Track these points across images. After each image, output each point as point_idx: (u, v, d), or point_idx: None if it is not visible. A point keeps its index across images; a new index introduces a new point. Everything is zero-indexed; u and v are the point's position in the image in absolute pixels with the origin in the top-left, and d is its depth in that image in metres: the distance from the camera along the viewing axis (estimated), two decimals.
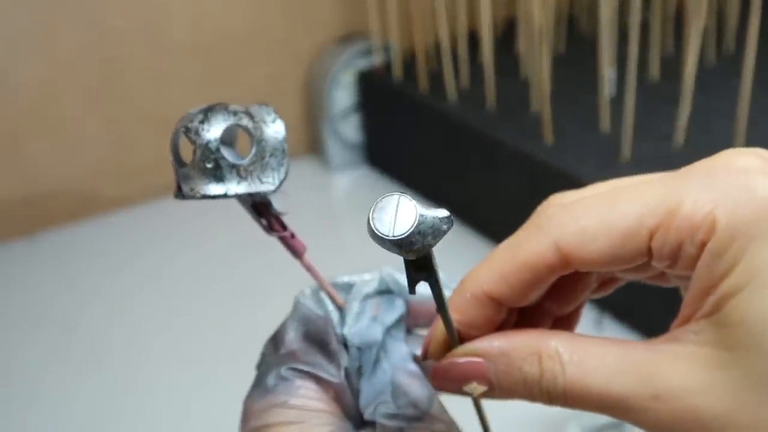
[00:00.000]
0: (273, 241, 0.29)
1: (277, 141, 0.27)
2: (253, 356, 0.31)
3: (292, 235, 0.30)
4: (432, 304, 0.32)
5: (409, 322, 0.32)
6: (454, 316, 0.28)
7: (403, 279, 0.32)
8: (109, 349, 0.89)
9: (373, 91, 1.14)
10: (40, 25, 1.03)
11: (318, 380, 0.29)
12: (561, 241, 0.26)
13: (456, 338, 0.28)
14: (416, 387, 0.30)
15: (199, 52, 1.12)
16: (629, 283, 0.31)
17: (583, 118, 0.95)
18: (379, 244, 0.22)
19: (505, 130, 0.96)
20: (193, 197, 0.26)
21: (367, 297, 0.31)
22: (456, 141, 1.02)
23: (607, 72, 0.93)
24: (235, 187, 0.27)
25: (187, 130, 0.26)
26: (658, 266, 0.26)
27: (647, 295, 0.76)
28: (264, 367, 0.30)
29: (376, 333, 0.30)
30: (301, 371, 0.29)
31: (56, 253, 1.05)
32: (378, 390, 0.30)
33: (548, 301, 0.30)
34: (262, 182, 0.27)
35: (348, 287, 0.32)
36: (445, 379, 0.27)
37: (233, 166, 0.26)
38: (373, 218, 0.21)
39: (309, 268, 0.30)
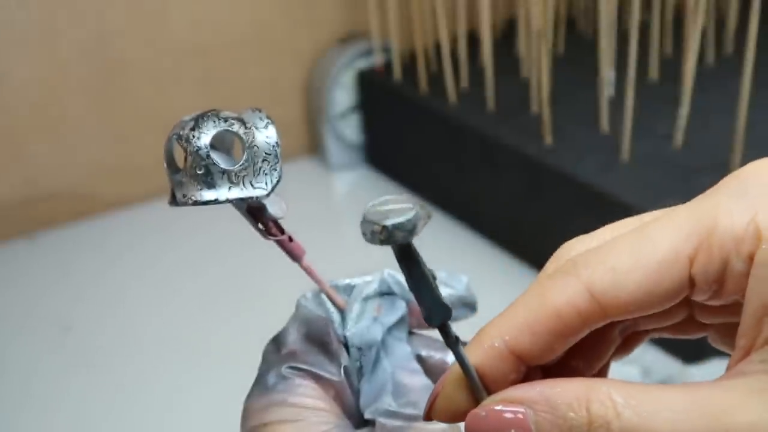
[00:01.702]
0: (274, 243, 0.29)
1: (269, 146, 0.27)
2: (253, 357, 0.31)
3: (290, 239, 0.30)
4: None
5: (411, 323, 0.33)
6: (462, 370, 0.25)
7: (404, 279, 0.32)
8: (109, 348, 0.89)
9: (373, 91, 1.14)
10: (40, 26, 1.03)
11: (318, 379, 0.29)
12: (593, 284, 0.23)
13: (481, 387, 0.25)
14: (417, 386, 0.30)
15: (199, 52, 1.12)
16: None
17: (582, 119, 0.96)
18: (403, 237, 0.21)
19: (505, 131, 0.96)
20: (185, 204, 0.27)
21: (367, 298, 0.31)
22: (456, 141, 1.02)
23: (607, 72, 0.93)
24: (226, 192, 0.27)
25: (179, 138, 0.26)
26: (700, 298, 0.23)
27: None
28: (265, 366, 0.30)
29: (377, 333, 0.30)
30: (301, 370, 0.29)
31: (56, 253, 1.05)
32: (378, 389, 0.30)
33: (574, 359, 0.27)
34: (254, 187, 0.27)
35: (349, 289, 0.32)
36: (480, 430, 0.24)
37: (224, 172, 0.27)
38: (386, 225, 0.21)
39: (308, 271, 0.30)
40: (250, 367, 0.31)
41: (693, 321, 0.26)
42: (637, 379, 0.67)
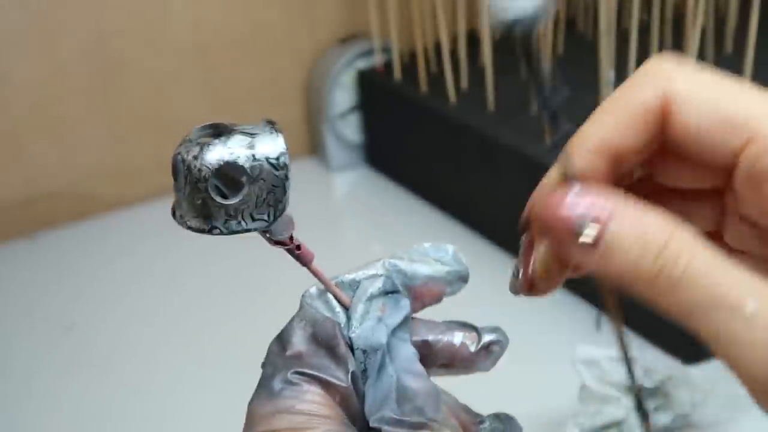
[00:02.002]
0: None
1: (277, 179, 0.26)
2: (257, 357, 0.31)
3: (298, 247, 0.29)
4: (437, 286, 0.32)
5: (415, 307, 0.32)
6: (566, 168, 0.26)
7: (405, 266, 0.32)
8: (110, 348, 0.89)
9: (373, 91, 1.14)
10: (40, 26, 1.03)
11: (324, 385, 0.29)
12: (671, 89, 0.25)
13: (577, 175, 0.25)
14: (422, 391, 0.30)
15: (199, 52, 1.12)
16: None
17: (582, 119, 0.95)
18: (524, 27, 0.23)
19: (505, 131, 0.96)
20: (181, 224, 0.27)
21: (372, 297, 0.31)
22: (456, 141, 1.02)
23: (607, 72, 0.93)
24: (222, 225, 0.26)
25: (183, 161, 0.26)
26: (737, 187, 0.24)
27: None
28: (270, 368, 0.30)
29: (381, 336, 0.30)
30: (308, 375, 0.29)
31: (56, 253, 1.05)
32: (383, 395, 0.29)
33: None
34: (254, 219, 0.27)
35: (354, 284, 0.31)
36: (561, 209, 0.24)
37: (222, 207, 0.26)
38: (510, 20, 0.22)
39: (316, 274, 0.30)
40: (254, 368, 0.30)
41: (733, 219, 0.27)
42: (639, 378, 0.67)
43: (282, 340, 0.30)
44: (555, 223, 0.24)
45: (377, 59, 1.13)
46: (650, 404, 0.66)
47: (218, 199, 0.26)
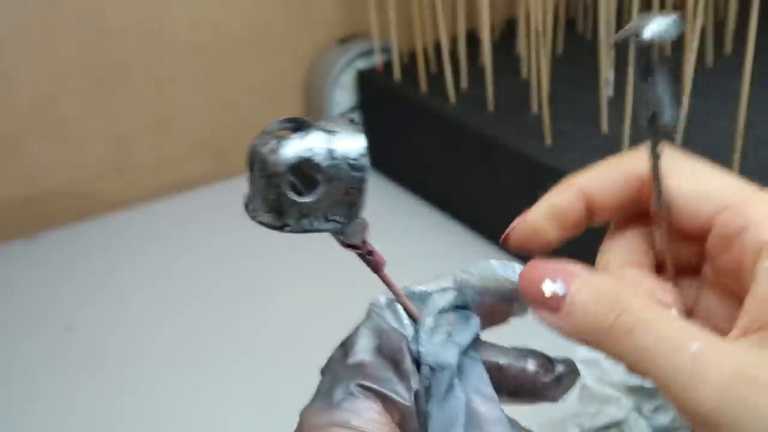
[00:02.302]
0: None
1: (354, 180, 0.25)
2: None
3: (370, 252, 0.28)
4: (506, 305, 0.32)
5: (483, 324, 0.31)
6: (549, 201, 0.32)
7: (475, 282, 0.31)
8: (110, 349, 0.89)
9: (373, 91, 1.14)
10: (40, 25, 1.03)
11: (385, 401, 0.28)
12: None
13: (662, 194, 0.29)
14: (491, 418, 0.28)
15: (199, 52, 1.12)
16: None
17: (582, 119, 0.96)
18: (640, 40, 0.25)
19: (504, 131, 0.96)
20: (252, 218, 0.26)
21: (442, 311, 0.30)
22: (456, 142, 1.02)
23: (606, 73, 0.93)
24: (294, 223, 0.25)
25: (259, 154, 0.25)
26: (711, 246, 0.28)
27: None
28: (329, 377, 0.29)
29: (452, 355, 0.29)
30: (369, 389, 0.28)
31: (56, 253, 1.05)
32: (449, 419, 0.28)
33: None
34: (327, 220, 0.26)
35: (424, 296, 0.30)
36: (531, 276, 0.28)
37: (295, 204, 0.25)
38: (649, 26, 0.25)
39: (387, 283, 0.29)
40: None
41: (706, 302, 0.30)
42: (636, 379, 0.67)
43: (345, 346, 0.29)
44: (528, 289, 0.28)
45: (377, 59, 1.13)
46: (650, 404, 0.66)
47: (292, 196, 0.25)
